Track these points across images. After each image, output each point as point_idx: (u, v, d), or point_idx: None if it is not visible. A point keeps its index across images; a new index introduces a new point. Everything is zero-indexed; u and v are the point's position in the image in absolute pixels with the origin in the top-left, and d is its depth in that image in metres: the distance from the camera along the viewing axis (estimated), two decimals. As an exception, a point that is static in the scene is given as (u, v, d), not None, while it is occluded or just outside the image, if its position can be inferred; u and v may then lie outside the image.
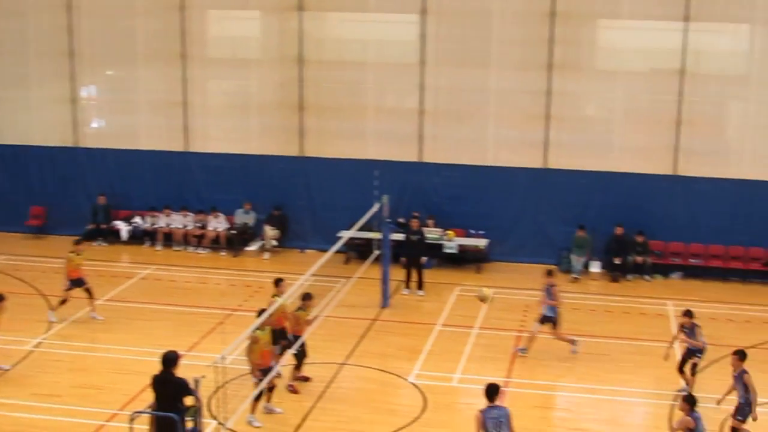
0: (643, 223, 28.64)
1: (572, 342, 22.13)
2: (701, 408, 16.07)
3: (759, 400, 17.19)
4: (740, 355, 17.42)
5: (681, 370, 19.97)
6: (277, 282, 20.06)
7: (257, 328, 17.39)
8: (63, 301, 23.73)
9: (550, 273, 22.13)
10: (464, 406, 18.56)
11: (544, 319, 21.96)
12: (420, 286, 26.70)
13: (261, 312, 17.68)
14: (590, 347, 22.72)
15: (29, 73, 32.31)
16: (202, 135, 31.63)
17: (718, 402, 17.86)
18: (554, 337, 22.02)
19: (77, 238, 25.24)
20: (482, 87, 29.55)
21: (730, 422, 17.52)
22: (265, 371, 17.64)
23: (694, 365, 19.66)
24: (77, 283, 23.64)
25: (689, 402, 15.49)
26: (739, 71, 28.87)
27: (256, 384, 17.47)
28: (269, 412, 18.29)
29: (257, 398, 17.68)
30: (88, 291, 23.79)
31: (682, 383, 19.94)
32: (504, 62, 29.27)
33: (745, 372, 17.24)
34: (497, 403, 14.73)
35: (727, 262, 28.61)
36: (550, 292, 21.86)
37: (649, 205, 28.92)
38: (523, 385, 20.27)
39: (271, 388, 18.33)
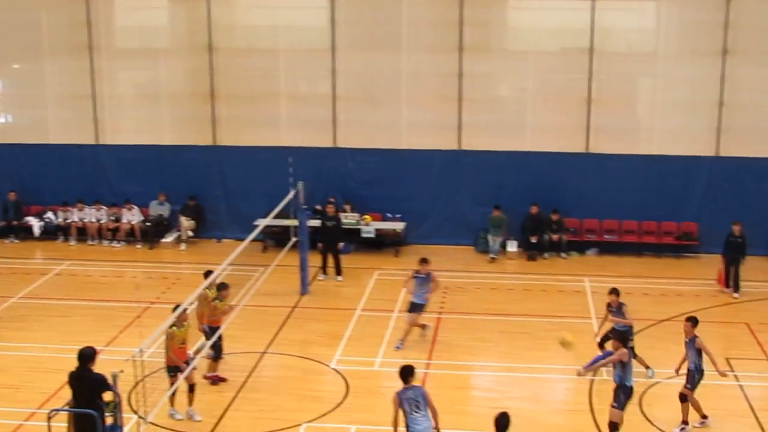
0: (557, 202, 28.97)
1: (423, 327, 22.00)
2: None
3: (683, 369, 17.57)
4: (692, 321, 17.74)
5: (601, 346, 20.16)
6: (207, 274, 19.73)
7: (173, 325, 17.15)
8: None
9: (424, 261, 21.78)
10: (387, 390, 18.57)
11: (413, 307, 21.66)
12: (338, 271, 26.68)
13: (176, 308, 17.40)
14: (510, 326, 22.93)
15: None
16: (112, 127, 31.18)
17: (676, 371, 18.19)
18: (410, 324, 21.66)
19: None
20: (394, 70, 29.58)
21: (680, 389, 17.87)
22: (178, 369, 17.32)
23: (631, 348, 19.57)
24: None
25: (621, 339, 16.61)
26: (646, 48, 29.28)
27: (172, 382, 17.23)
28: (190, 417, 17.97)
29: (173, 394, 17.48)
30: None
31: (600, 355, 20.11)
32: (415, 45, 29.33)
33: (696, 337, 17.58)
34: (413, 383, 14.99)
35: (641, 237, 29.08)
36: (424, 280, 21.58)
37: (563, 184, 29.26)
38: (445, 366, 20.38)
39: (191, 388, 18.03)
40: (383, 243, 29.47)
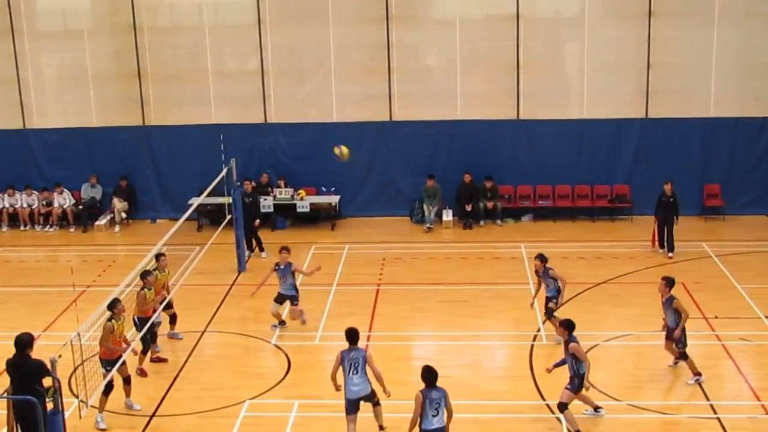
0: (491, 169, 29.13)
1: (281, 323, 21.27)
2: (561, 345, 16.50)
3: (617, 333, 17.77)
4: (667, 281, 18.11)
5: (549, 317, 20.17)
6: (158, 257, 19.71)
7: (111, 319, 16.79)
8: None
9: (284, 249, 21.02)
10: (329, 364, 18.57)
11: (280, 298, 21.12)
12: (261, 248, 26.44)
13: (115, 302, 16.87)
14: (449, 295, 23.04)
15: None
16: (39, 111, 30.75)
17: (663, 328, 18.41)
18: (291, 318, 21.25)
19: None
20: (322, 43, 29.47)
21: (664, 344, 18.36)
22: (115, 362, 16.78)
23: (551, 310, 19.91)
24: None
25: (567, 327, 16.34)
26: (572, 13, 29.47)
27: (104, 375, 16.67)
28: (129, 407, 17.68)
29: (106, 393, 16.72)
30: None
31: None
32: (341, 17, 29.23)
33: (674, 298, 17.97)
34: (357, 346, 15.77)
35: (575, 202, 29.38)
36: (285, 271, 20.88)
37: (495, 151, 29.41)
38: (386, 338, 20.45)
39: (127, 380, 17.55)
40: (318, 217, 29.45)
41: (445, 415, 14.53)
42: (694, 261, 25.18)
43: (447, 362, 19.31)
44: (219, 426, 17.01)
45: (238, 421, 17.06)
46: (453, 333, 20.77)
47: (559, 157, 29.25)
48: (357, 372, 15.62)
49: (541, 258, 20.12)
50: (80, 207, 30.03)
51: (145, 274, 19.07)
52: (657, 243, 25.71)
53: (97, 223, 29.95)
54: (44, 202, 30.17)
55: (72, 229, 29.86)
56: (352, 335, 15.81)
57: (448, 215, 29.13)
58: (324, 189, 29.79)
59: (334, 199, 29.41)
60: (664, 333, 18.33)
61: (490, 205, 28.92)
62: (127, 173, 30.25)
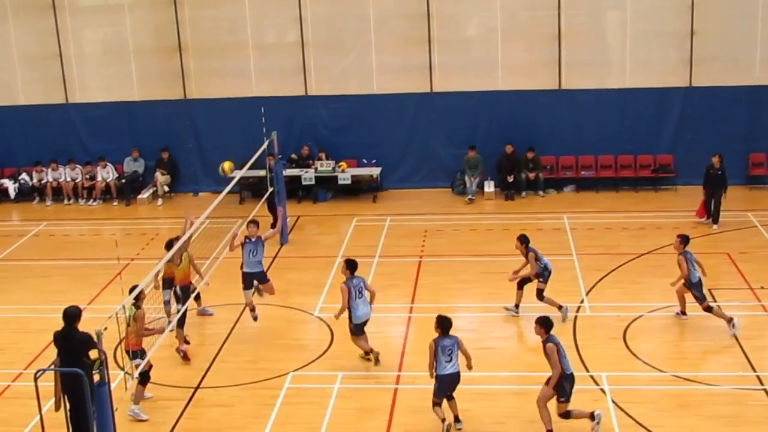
0: (532, 140, 28.96)
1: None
2: (605, 317, 16.41)
3: (661, 304, 17.68)
4: (681, 238, 18.89)
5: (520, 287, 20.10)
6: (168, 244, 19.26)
7: (138, 306, 16.05)
8: None
9: (253, 223, 20.03)
10: (371, 335, 18.65)
11: (248, 281, 19.74)
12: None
13: (133, 288, 16.24)
14: (490, 266, 22.96)
15: None
16: (81, 85, 30.93)
17: (673, 284, 18.81)
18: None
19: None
20: (362, 15, 29.38)
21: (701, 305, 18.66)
22: (144, 351, 16.23)
23: (539, 290, 19.65)
24: None
25: (544, 325, 15.32)
26: (614, -20, 29.16)
27: (136, 367, 15.86)
28: (135, 416, 16.59)
29: (142, 382, 16.39)
30: None
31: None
32: (381, -12, 29.16)
33: (683, 253, 18.70)
34: (356, 275, 17.71)
35: (618, 172, 29.14)
36: (257, 243, 19.78)
37: (536, 121, 29.21)
38: (427, 309, 20.37)
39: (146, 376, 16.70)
40: (360, 189, 29.46)
41: (459, 361, 15.42)
42: (739, 231, 24.93)
43: (489, 334, 19.32)
44: (263, 398, 17.11)
45: (282, 393, 17.15)
46: (495, 304, 20.68)
47: (601, 126, 29.00)
48: (361, 296, 17.61)
49: (521, 239, 19.78)
50: (123, 180, 30.22)
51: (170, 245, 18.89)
52: (705, 214, 25.40)
53: (139, 196, 30.14)
54: (87, 176, 30.40)
55: (115, 203, 30.08)
56: (353, 265, 17.68)
57: (489, 186, 28.99)
58: (365, 161, 29.77)
59: (376, 171, 29.39)
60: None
61: (531, 175, 28.77)
62: (168, 146, 30.39)
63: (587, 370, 17.39)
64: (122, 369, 16.96)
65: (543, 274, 19.53)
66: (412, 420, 16.11)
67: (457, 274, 22.57)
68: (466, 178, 28.75)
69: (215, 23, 30.30)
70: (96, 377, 13.75)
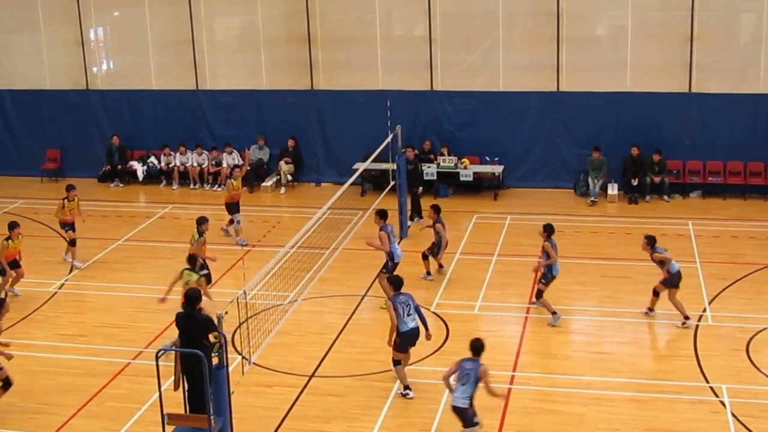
0: (659, 143, 28.40)
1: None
2: (728, 327, 16.03)
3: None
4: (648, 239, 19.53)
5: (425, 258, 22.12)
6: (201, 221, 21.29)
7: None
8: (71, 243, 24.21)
9: (203, 220, 21.38)
10: (486, 334, 18.55)
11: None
12: (419, 213, 26.41)
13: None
14: (611, 270, 22.69)
15: (37, 17, 32.21)
16: (211, 72, 31.51)
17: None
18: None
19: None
20: (490, 11, 29.23)
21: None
22: None
23: (540, 291, 19.91)
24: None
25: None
26: (751, -18, 28.45)
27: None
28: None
29: None
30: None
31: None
32: (511, -16, 28.99)
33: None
34: (402, 291, 17.21)
35: (747, 179, 28.37)
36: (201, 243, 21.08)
37: (664, 124, 28.64)
38: (545, 311, 20.19)
39: None
40: (481, 186, 29.33)
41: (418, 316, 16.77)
42: None
43: (606, 338, 19.11)
44: (376, 389, 17.22)
45: (395, 386, 17.22)
46: (613, 309, 20.46)
47: (731, 132, 28.27)
48: (410, 313, 16.81)
49: (648, 240, 19.75)
50: (248, 168, 30.65)
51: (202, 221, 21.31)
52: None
53: (263, 184, 30.54)
54: (213, 162, 30.93)
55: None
56: (400, 282, 17.23)
57: (613, 189, 28.57)
58: (487, 158, 29.64)
59: (498, 169, 29.24)
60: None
61: (657, 179, 28.26)
62: (294, 136, 30.74)
63: (707, 381, 17.08)
64: (239, 353, 17.25)
65: (546, 276, 19.68)
66: (525, 420, 16.04)
67: (576, 276, 22.33)
68: (590, 179, 28.41)
69: (344, 15, 30.55)
70: (215, 360, 14.02)
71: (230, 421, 14.11)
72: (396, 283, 17.21)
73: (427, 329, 16.97)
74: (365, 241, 20.51)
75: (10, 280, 21.85)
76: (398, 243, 20.98)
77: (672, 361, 18.23)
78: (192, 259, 19.14)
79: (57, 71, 32.56)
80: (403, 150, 25.47)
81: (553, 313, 19.61)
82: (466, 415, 14.38)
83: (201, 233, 21.03)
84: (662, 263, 19.35)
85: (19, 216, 25.69)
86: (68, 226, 23.95)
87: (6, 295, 21.37)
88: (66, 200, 23.90)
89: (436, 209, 22.21)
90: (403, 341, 16.76)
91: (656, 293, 19.68)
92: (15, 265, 21.98)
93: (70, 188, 24.43)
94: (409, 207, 26.18)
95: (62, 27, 32.08)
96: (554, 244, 19.78)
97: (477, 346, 14.70)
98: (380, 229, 20.48)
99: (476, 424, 14.39)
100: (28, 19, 32.30)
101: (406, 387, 16.94)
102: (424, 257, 22.35)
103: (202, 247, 20.75)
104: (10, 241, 21.74)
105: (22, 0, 32.14)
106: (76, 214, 24.13)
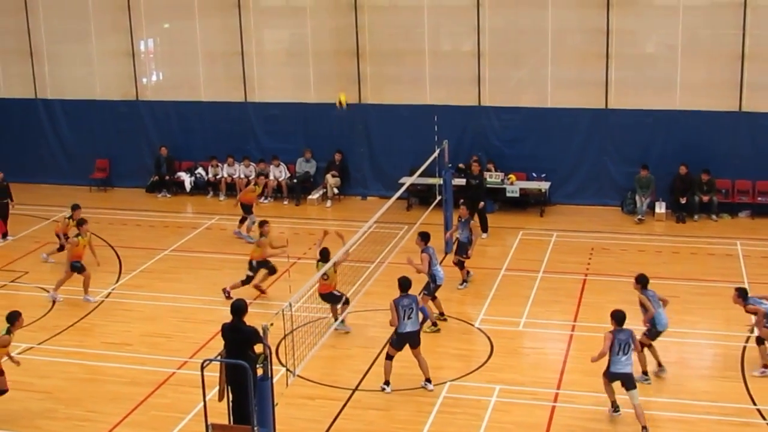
0: (708, 162, 28.15)
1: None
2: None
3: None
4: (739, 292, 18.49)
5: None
6: (261, 224, 22.73)
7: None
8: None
9: (264, 223, 23.03)
10: (531, 351, 18.56)
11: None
12: (484, 229, 26.52)
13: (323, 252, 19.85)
14: (658, 289, 22.37)
15: (89, 28, 32.61)
16: (259, 84, 31.69)
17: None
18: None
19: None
20: (539, 27, 29.15)
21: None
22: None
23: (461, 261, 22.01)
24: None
25: (424, 238, 20.41)
26: (804, 1, 28.16)
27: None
28: None
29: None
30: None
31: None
32: (561, 1, 28.85)
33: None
34: (408, 293, 17.75)
35: (797, 200, 28.11)
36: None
37: (713, 143, 28.37)
38: (590, 329, 20.10)
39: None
40: (527, 202, 29.23)
41: (419, 318, 17.55)
42: None
43: (651, 358, 18.89)
44: (419, 404, 17.21)
45: (439, 401, 17.22)
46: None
47: (782, 152, 28.05)
48: (411, 317, 17.45)
49: (740, 293, 18.75)
50: (294, 180, 30.79)
51: (262, 224, 22.69)
52: None
53: (309, 197, 30.63)
54: (260, 174, 31.08)
55: (285, 202, 30.68)
56: (406, 284, 17.78)
57: (661, 207, 28.36)
58: (534, 174, 29.53)
59: (544, 185, 29.13)
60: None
61: (705, 198, 28.01)
62: (340, 149, 30.83)
63: (754, 404, 16.91)
64: (284, 366, 17.30)
65: (651, 330, 18.17)
66: (568, 439, 15.96)
67: (623, 295, 22.07)
68: (637, 197, 28.23)
69: (393, 29, 30.61)
70: (260, 371, 14.07)
71: (274, 432, 14.16)
72: (403, 286, 17.78)
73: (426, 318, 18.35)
74: (406, 258, 20.42)
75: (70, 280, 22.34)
76: (441, 262, 20.98)
77: (718, 381, 18.07)
78: (324, 253, 20.18)
79: (107, 82, 32.91)
80: (449, 165, 25.44)
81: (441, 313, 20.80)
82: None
83: (262, 235, 22.38)
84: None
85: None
86: (77, 264, 22.36)
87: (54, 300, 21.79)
88: (78, 235, 22.73)
89: (424, 237, 20.81)
90: (400, 341, 17.55)
91: (760, 342, 18.56)
92: (80, 268, 22.23)
93: (75, 208, 24.66)
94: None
95: (113, 38, 32.44)
96: (651, 296, 18.30)
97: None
98: (422, 251, 20.50)
99: None
100: (80, 30, 32.72)
101: (387, 382, 17.69)
102: (460, 265, 22.85)
103: (266, 246, 22.25)
104: (80, 237, 22.14)
105: (75, 11, 32.52)
106: (87, 253, 22.81)
